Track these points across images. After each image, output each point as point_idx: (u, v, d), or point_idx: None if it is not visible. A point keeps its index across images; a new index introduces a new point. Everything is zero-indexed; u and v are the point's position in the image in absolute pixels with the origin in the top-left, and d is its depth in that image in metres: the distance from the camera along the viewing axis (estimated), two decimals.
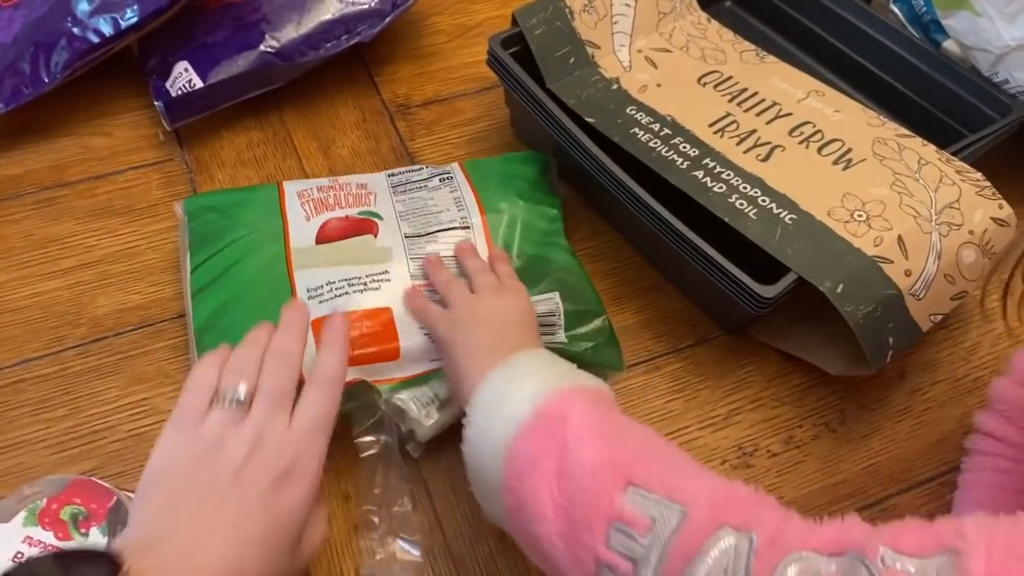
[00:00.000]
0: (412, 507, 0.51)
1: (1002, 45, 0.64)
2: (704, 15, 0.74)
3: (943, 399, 0.59)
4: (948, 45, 0.71)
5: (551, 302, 0.56)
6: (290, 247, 0.56)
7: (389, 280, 0.55)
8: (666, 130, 0.63)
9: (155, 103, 0.68)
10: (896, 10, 0.75)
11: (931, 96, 0.69)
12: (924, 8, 0.72)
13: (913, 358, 0.61)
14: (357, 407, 0.53)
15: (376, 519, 0.50)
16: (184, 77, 0.68)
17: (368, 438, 0.53)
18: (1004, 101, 0.66)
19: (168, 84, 0.68)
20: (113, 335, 0.58)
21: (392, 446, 0.52)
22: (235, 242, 0.56)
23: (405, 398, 0.52)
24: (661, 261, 0.64)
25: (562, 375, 0.43)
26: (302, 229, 0.57)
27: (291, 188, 0.60)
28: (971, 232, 0.57)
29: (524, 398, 0.41)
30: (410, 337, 0.53)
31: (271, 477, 0.40)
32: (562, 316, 0.56)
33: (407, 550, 0.50)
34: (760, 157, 0.61)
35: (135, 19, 0.68)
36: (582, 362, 0.50)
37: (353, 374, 0.51)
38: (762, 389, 0.59)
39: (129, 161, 0.68)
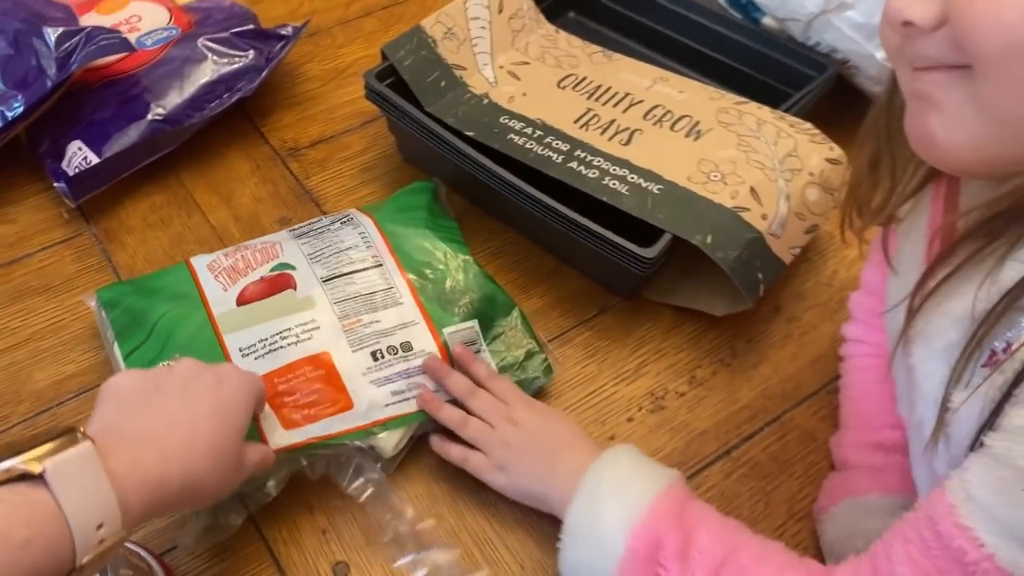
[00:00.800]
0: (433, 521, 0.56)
1: (807, 13, 0.74)
2: (552, 27, 0.82)
3: (815, 322, 0.68)
4: (766, 21, 0.80)
5: (471, 331, 0.60)
6: (214, 314, 0.59)
7: (318, 327, 0.58)
8: (538, 132, 0.70)
9: (55, 184, 0.71)
10: None
11: (759, 66, 0.79)
12: None
13: (785, 292, 0.69)
14: (332, 465, 0.56)
15: (407, 544, 0.54)
16: (79, 155, 0.71)
17: (357, 483, 0.56)
18: (819, 61, 0.76)
19: (64, 164, 0.71)
20: (56, 405, 0.60)
21: (381, 480, 0.56)
22: (160, 320, 0.58)
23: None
24: (556, 247, 0.71)
25: (641, 492, 0.48)
26: (221, 298, 0.60)
27: (200, 263, 0.63)
28: (811, 174, 0.66)
29: (616, 534, 0.47)
30: (356, 381, 0.56)
31: (211, 377, 0.48)
32: (483, 343, 0.60)
33: (443, 552, 0.54)
34: (623, 142, 0.69)
35: (21, 109, 0.70)
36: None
37: (316, 431, 0.54)
38: (662, 341, 0.66)
39: (38, 243, 0.70)
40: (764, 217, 0.63)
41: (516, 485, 0.55)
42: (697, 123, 0.70)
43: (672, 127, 0.70)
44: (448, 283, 0.62)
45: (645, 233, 0.62)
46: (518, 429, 0.56)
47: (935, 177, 0.48)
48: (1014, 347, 0.37)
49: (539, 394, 0.62)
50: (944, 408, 0.41)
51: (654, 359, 0.65)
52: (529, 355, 0.61)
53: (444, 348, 0.59)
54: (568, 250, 0.69)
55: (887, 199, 0.49)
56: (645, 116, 0.71)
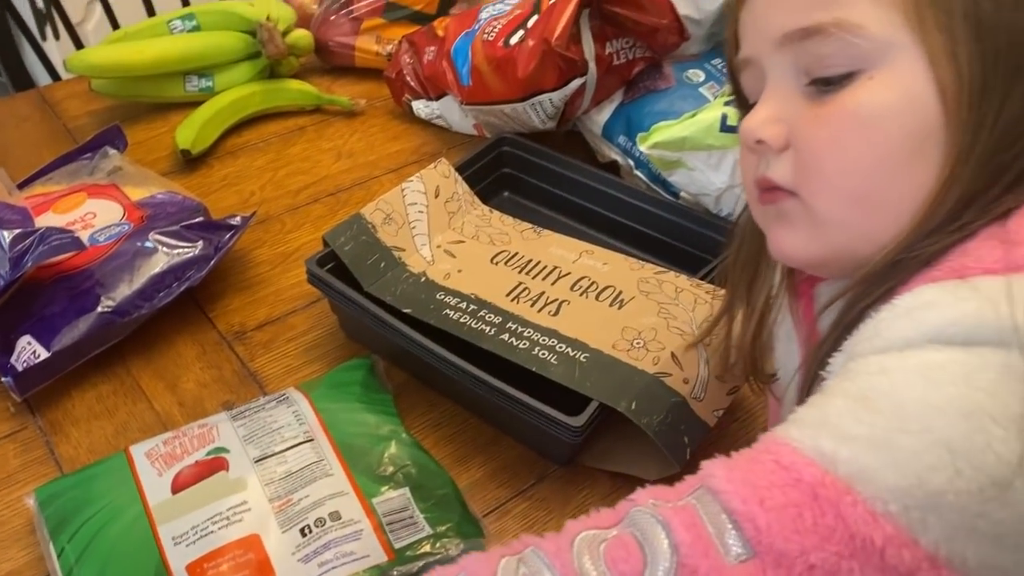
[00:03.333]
0: None
1: (715, 189, 0.80)
2: (486, 208, 0.88)
3: None
4: (684, 195, 0.87)
5: (402, 498, 0.62)
6: (149, 505, 0.60)
7: (249, 509, 0.59)
8: (472, 306, 0.74)
9: (2, 379, 0.72)
10: (640, 175, 0.92)
11: (679, 235, 0.84)
12: (658, 171, 0.88)
13: (717, 452, 0.71)
14: None
15: None
16: (28, 350, 0.73)
17: None
18: (731, 229, 0.81)
19: (13, 360, 0.73)
20: None
21: None
22: (93, 516, 0.59)
23: None
24: (492, 417, 0.73)
25: None
26: (157, 485, 0.61)
27: (138, 451, 0.64)
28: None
29: None
30: (285, 562, 0.57)
31: None
32: (415, 509, 0.61)
33: None
34: (551, 312, 0.73)
35: None
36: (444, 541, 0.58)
37: None
38: (600, 507, 0.67)
39: None
40: (686, 381, 0.66)
41: None
42: (620, 293, 0.74)
43: (597, 297, 0.74)
44: (378, 454, 0.64)
45: (580, 397, 0.64)
46: None
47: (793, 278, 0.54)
48: None
49: None
50: None
51: None
52: (460, 523, 0.62)
53: (374, 517, 0.60)
54: (505, 420, 0.71)
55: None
56: (572, 287, 0.76)
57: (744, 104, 0.51)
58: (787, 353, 0.54)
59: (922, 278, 0.39)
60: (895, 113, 0.40)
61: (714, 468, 0.39)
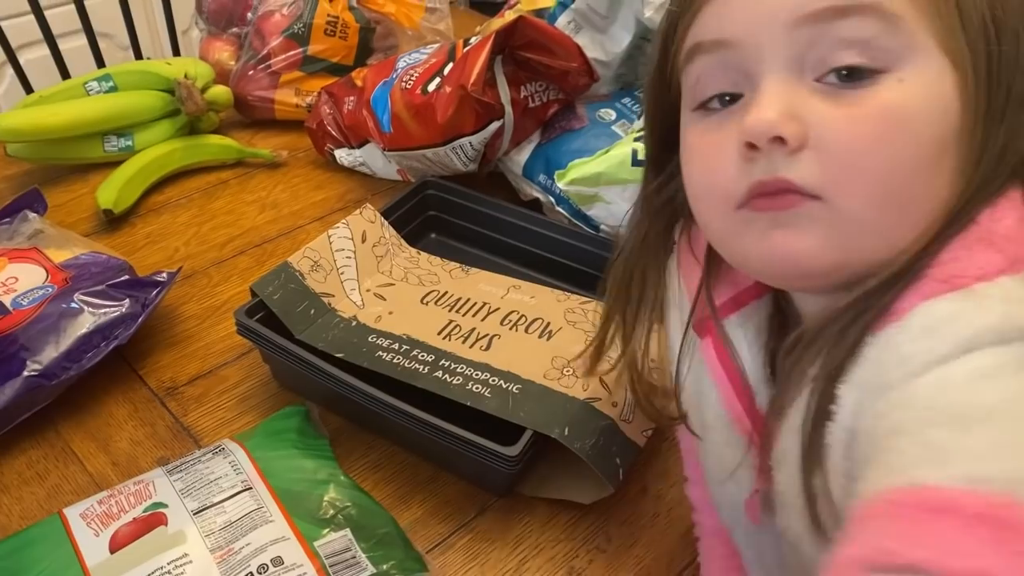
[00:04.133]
0: None
1: None
2: (414, 250, 0.90)
3: (681, 498, 0.72)
4: (604, 228, 0.90)
5: (344, 539, 0.62)
6: (87, 567, 0.59)
7: (191, 561, 0.59)
8: (405, 346, 0.75)
9: None
10: (561, 211, 0.95)
11: (601, 266, 0.86)
12: (578, 206, 0.92)
13: (650, 471, 0.74)
14: None
15: None
16: None
17: None
18: None
19: None
20: None
21: None
22: None
23: None
24: (430, 454, 0.74)
25: None
26: (94, 546, 0.60)
27: (73, 512, 0.63)
28: (652, 360, 0.73)
29: None
30: None
31: None
32: (358, 550, 0.61)
33: None
34: (483, 347, 0.75)
35: None
36: None
37: None
38: (540, 535, 0.68)
39: None
40: (615, 404, 0.68)
41: None
42: (548, 324, 0.77)
43: (527, 330, 0.76)
44: (317, 498, 0.64)
45: (515, 428, 0.66)
46: None
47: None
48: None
49: None
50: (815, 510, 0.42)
51: (533, 555, 0.67)
52: (403, 560, 0.62)
53: (316, 560, 0.60)
54: (443, 456, 0.73)
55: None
56: (502, 322, 0.78)
57: (653, 126, 0.50)
58: (699, 395, 0.53)
59: (914, 295, 0.38)
60: (927, 115, 0.39)
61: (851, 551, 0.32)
